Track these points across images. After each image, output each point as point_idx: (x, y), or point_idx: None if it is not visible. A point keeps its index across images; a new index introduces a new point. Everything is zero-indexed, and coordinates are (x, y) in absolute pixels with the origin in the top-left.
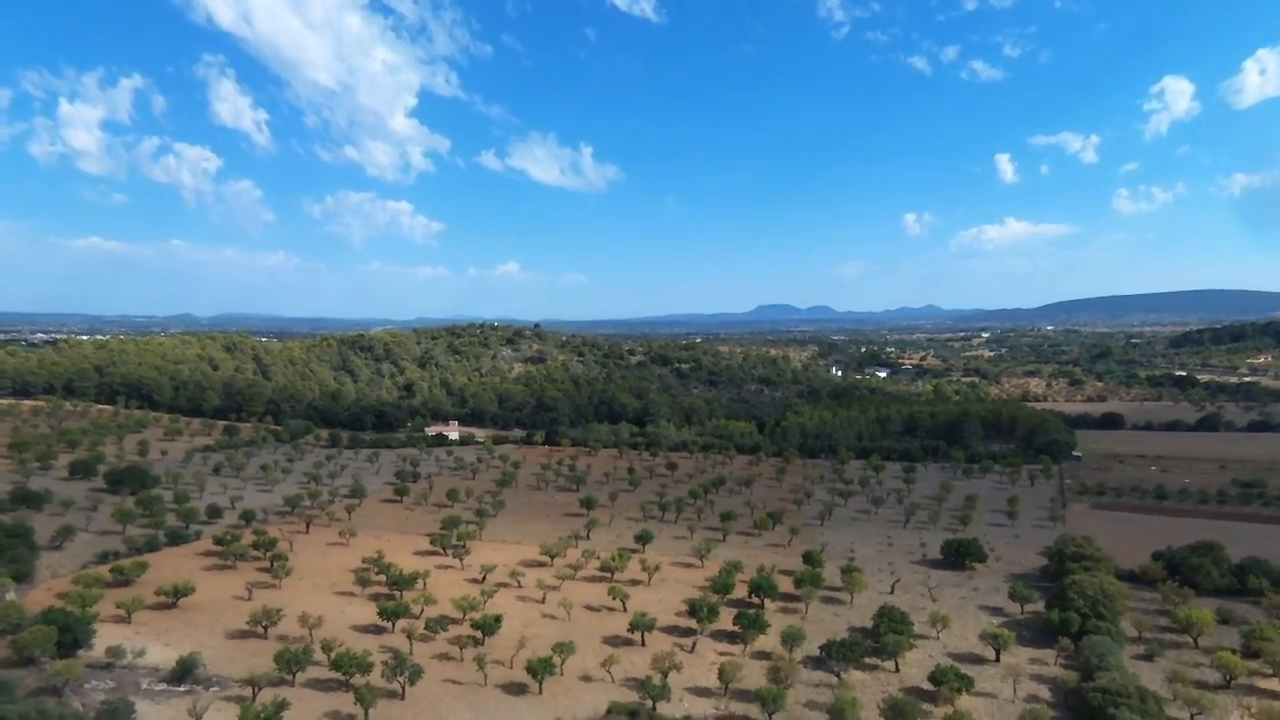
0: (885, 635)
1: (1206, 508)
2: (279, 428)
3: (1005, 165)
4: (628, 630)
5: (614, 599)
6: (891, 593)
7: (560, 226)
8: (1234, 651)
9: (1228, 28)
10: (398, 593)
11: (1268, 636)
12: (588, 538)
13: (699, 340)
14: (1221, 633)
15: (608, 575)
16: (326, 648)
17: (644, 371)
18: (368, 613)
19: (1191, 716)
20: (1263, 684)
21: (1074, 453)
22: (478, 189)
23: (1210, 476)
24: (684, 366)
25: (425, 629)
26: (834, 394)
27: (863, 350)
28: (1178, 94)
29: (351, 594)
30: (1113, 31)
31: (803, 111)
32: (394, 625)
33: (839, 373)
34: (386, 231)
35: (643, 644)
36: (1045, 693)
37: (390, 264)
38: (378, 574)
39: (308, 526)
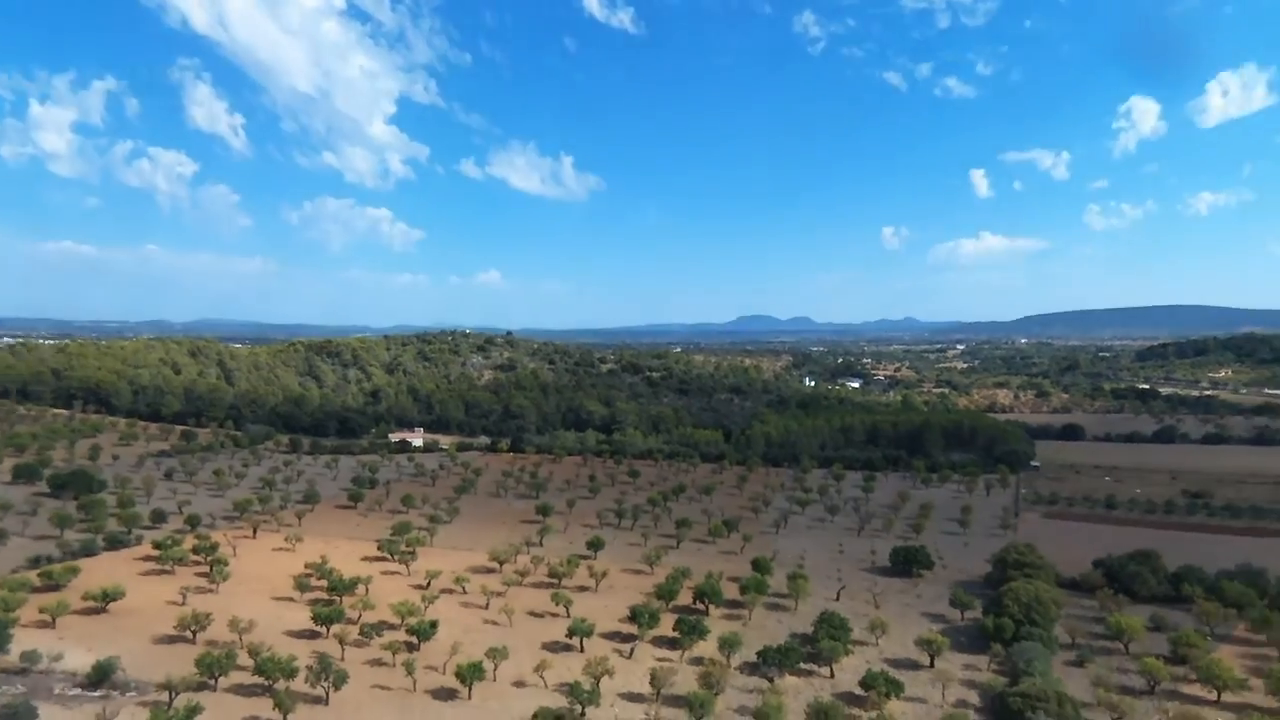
0: (822, 641)
1: (1153, 517)
2: (239, 433)
3: (980, 180)
4: (566, 636)
5: (558, 605)
6: (837, 599)
7: (541, 235)
8: (1161, 658)
9: (1190, 50)
10: (337, 598)
11: (1194, 643)
12: (540, 544)
13: (677, 350)
14: (1152, 639)
15: (555, 582)
16: (252, 652)
17: (614, 379)
18: (303, 618)
19: None
20: (1186, 689)
21: (1032, 463)
22: (458, 197)
23: (1161, 487)
24: (655, 375)
25: (360, 634)
26: (801, 404)
27: (839, 361)
28: (1145, 113)
29: (290, 599)
30: (1081, 52)
31: (782, 124)
32: (328, 630)
33: (811, 383)
34: (366, 238)
35: (581, 650)
36: (974, 698)
37: (370, 271)
38: (319, 579)
39: (254, 532)
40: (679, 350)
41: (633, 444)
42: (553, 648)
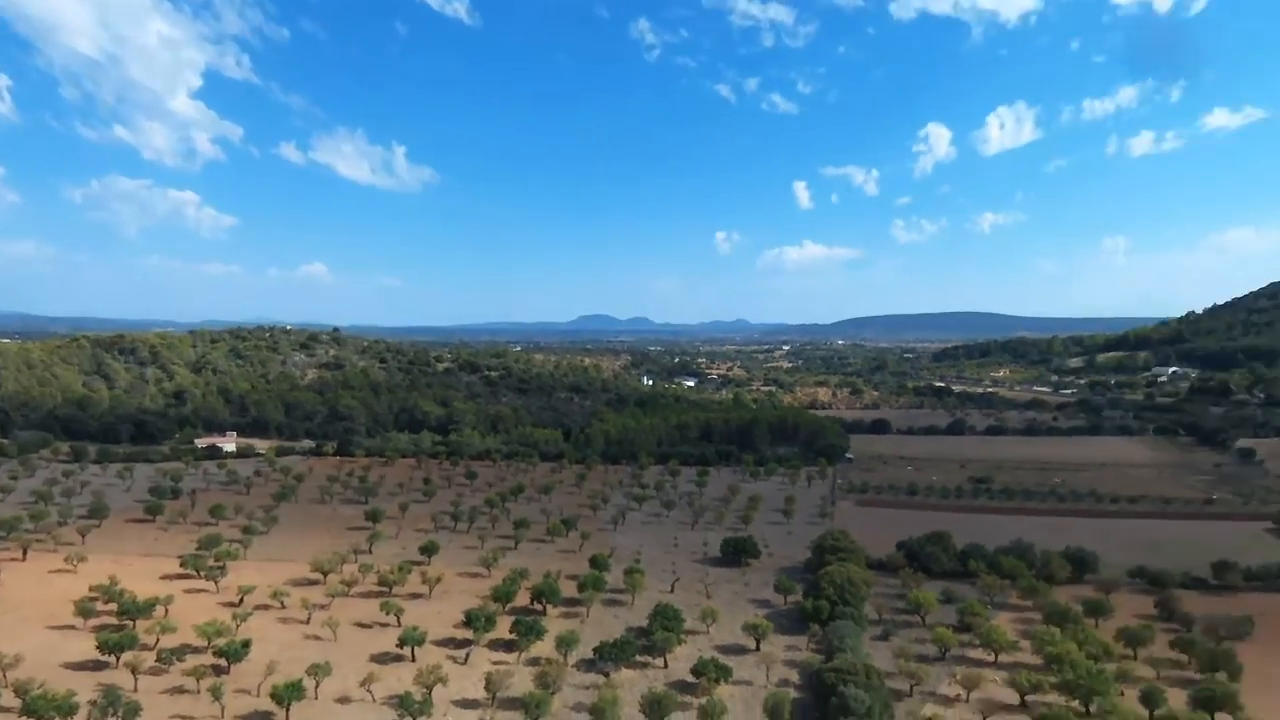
0: (657, 633)
1: (946, 501)
2: (5, 440)
3: (802, 192)
4: (397, 646)
5: (388, 614)
6: (671, 591)
7: (372, 227)
8: (950, 627)
9: (974, 85)
10: (129, 622)
11: (977, 612)
12: (370, 552)
13: (517, 349)
14: (944, 611)
15: (385, 590)
16: (19, 690)
17: (451, 379)
18: (87, 647)
19: (911, 687)
20: (971, 654)
21: (847, 455)
22: (277, 182)
23: (953, 474)
24: (494, 374)
25: (157, 660)
26: (639, 402)
27: (675, 360)
28: (939, 139)
29: (70, 627)
30: (888, 78)
31: (622, 127)
32: (117, 659)
33: (649, 382)
34: (167, 223)
35: (413, 659)
36: (795, 676)
37: (172, 259)
38: (107, 603)
39: (24, 553)
40: (519, 349)
41: (470, 444)
42: (382, 659)
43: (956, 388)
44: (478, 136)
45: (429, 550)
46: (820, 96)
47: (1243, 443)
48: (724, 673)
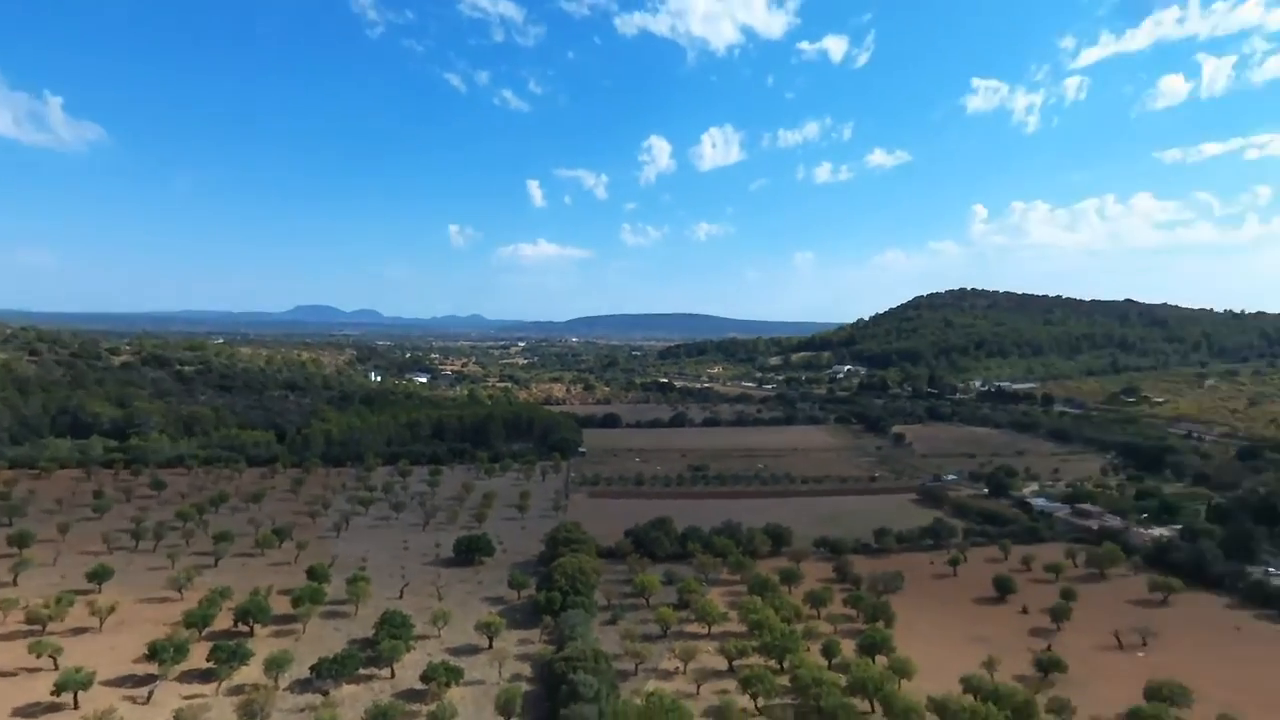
0: (383, 643)
1: (669, 489)
2: None
3: (536, 190)
4: (53, 693)
5: (39, 657)
6: (400, 597)
7: (15, 190)
8: (671, 606)
9: (691, 105)
10: None
11: (694, 589)
12: (14, 583)
13: (219, 340)
14: (666, 591)
15: (38, 628)
16: None
17: (132, 374)
18: None
19: (636, 666)
20: (689, 629)
21: (580, 449)
22: None
23: (675, 463)
24: (189, 369)
25: None
26: (366, 399)
27: (406, 356)
28: (661, 151)
29: None
30: (615, 89)
31: (347, 108)
32: None
33: (377, 378)
34: None
35: (75, 706)
36: (528, 669)
37: None
38: None
39: None
40: (221, 340)
41: (157, 450)
42: (30, 712)
43: (679, 383)
44: (166, 99)
45: (99, 575)
46: (551, 98)
47: (897, 429)
48: (455, 675)
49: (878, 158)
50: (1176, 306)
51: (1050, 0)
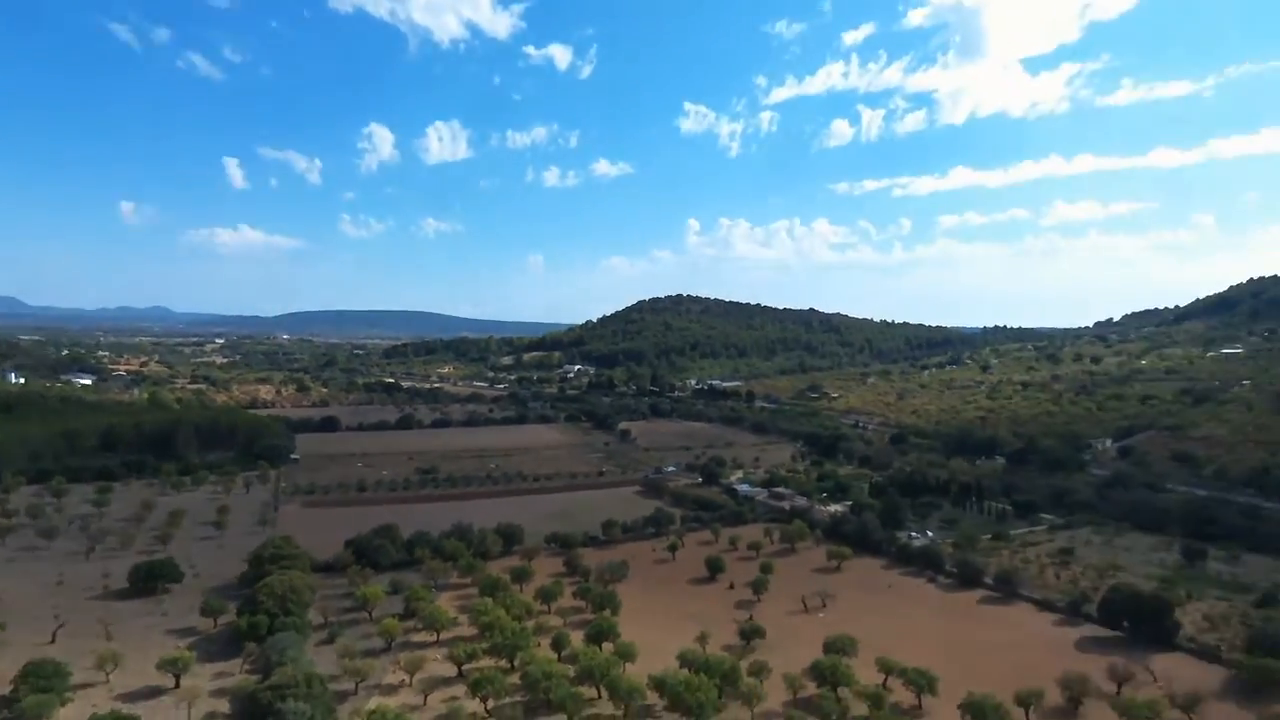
0: (26, 699)
1: (395, 494)
2: None
3: (235, 170)
4: None
5: None
6: (52, 641)
7: None
8: (396, 616)
9: (415, 95)
10: None
11: (421, 596)
12: None
13: None
14: (393, 602)
15: None
16: None
17: None
18: None
19: (356, 685)
20: (416, 638)
21: (293, 455)
22: None
23: (402, 467)
24: None
25: None
26: (4, 406)
27: (63, 353)
28: (383, 140)
29: None
30: (330, 69)
31: None
32: None
33: (20, 380)
34: None
35: None
36: (226, 706)
37: None
38: None
39: None
40: None
41: None
42: None
43: (406, 384)
44: None
45: None
46: (252, 69)
47: (623, 425)
48: None
49: (603, 167)
50: (847, 316)
51: (747, 41)
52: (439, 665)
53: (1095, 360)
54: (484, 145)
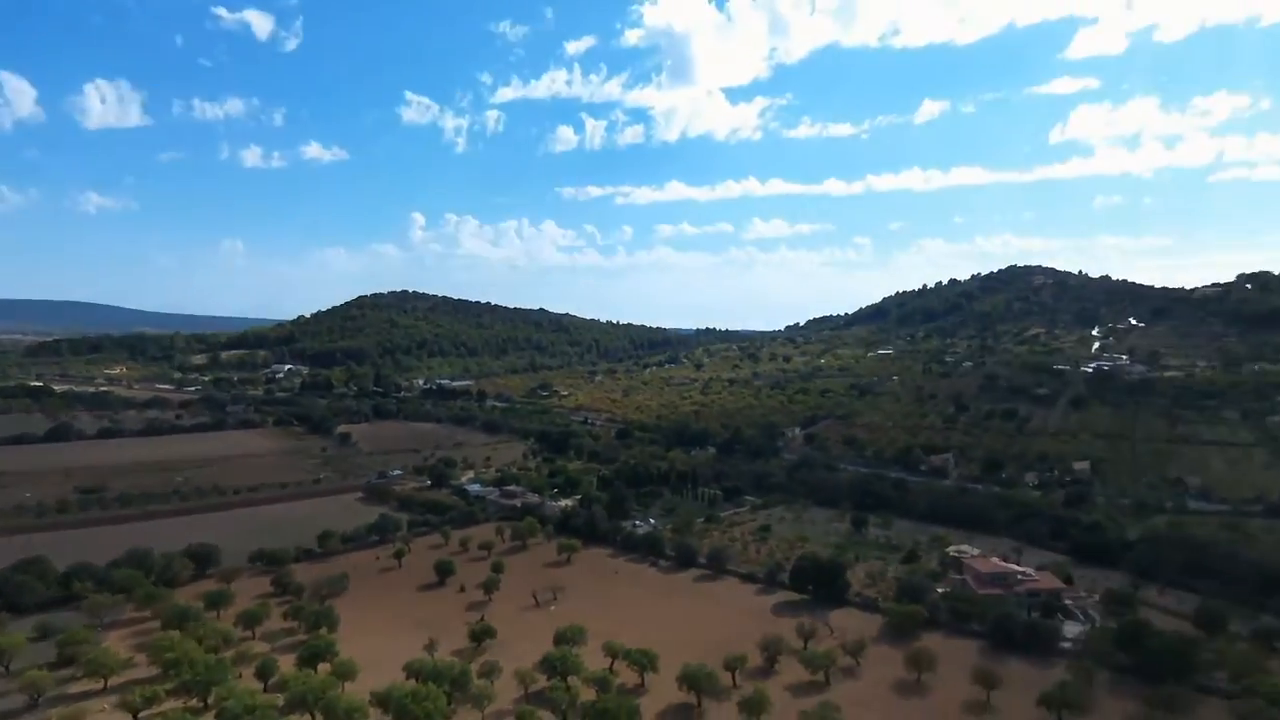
0: None
1: (45, 520)
2: None
3: None
4: None
5: None
6: None
7: None
8: (47, 666)
9: (66, 44)
10: None
11: (82, 639)
12: None
13: None
14: (42, 649)
15: None
16: None
17: None
18: None
19: None
20: (76, 688)
21: None
22: None
23: (55, 487)
24: None
25: None
26: None
27: None
28: (19, 93)
29: None
30: None
31: None
32: None
33: None
34: None
35: None
36: None
37: None
38: None
39: None
40: None
41: None
42: None
43: (59, 387)
44: None
45: None
46: None
47: (342, 428)
48: None
49: (314, 150)
50: (576, 316)
51: (469, 35)
52: (108, 717)
53: (787, 359)
54: (164, 113)
